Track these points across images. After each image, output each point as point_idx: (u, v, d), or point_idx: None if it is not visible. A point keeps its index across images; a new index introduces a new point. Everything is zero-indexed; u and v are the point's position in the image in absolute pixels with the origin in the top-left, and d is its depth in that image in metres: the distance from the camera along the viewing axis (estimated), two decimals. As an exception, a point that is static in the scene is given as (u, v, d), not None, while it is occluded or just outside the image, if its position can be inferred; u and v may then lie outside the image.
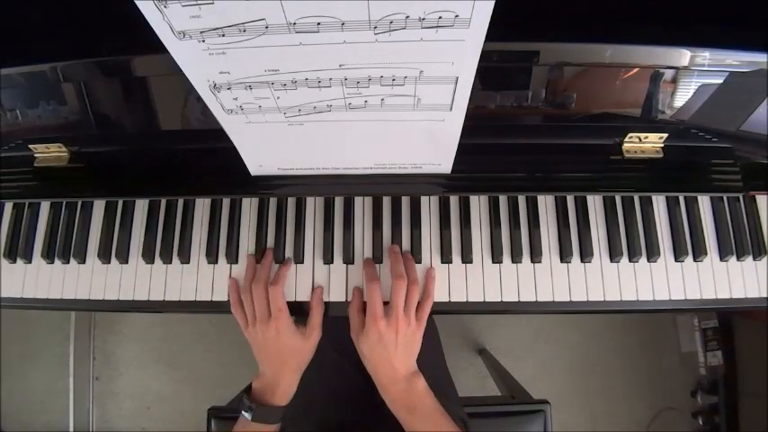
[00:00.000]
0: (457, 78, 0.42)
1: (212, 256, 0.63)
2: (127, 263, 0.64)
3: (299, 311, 0.61)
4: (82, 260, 0.65)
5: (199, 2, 0.34)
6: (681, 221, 0.62)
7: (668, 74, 0.51)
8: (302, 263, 0.62)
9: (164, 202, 0.66)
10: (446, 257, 0.61)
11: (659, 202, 0.63)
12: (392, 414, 0.72)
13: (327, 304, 0.62)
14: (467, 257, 0.61)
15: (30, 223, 0.67)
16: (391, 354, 0.55)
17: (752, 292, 0.60)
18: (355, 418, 0.73)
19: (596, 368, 1.43)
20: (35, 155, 0.64)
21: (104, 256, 0.64)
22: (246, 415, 0.57)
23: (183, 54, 0.39)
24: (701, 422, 1.36)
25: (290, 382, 0.59)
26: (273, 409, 0.57)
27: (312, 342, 0.60)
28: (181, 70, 0.41)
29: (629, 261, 0.61)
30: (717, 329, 1.35)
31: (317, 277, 0.62)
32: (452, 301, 0.60)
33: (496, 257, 0.61)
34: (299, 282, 0.62)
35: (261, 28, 0.36)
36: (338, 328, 0.83)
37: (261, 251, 0.63)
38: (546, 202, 0.63)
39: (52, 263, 0.65)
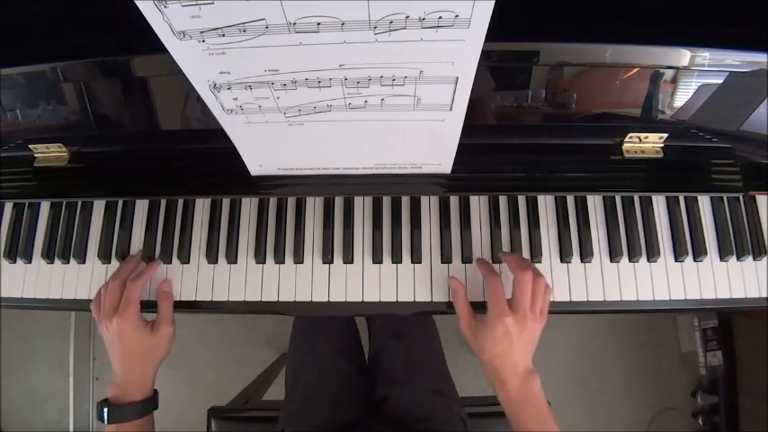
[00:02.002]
0: (457, 78, 0.42)
1: (212, 257, 0.63)
2: (127, 263, 0.64)
3: (295, 312, 0.61)
4: (82, 260, 0.65)
5: (199, 2, 0.34)
6: (681, 221, 0.62)
7: (668, 74, 0.51)
8: (302, 263, 0.62)
9: (164, 202, 0.66)
10: (446, 258, 0.61)
11: (659, 202, 0.63)
12: (392, 413, 0.73)
13: (323, 304, 0.61)
14: (467, 258, 0.61)
15: (30, 223, 0.67)
16: (515, 348, 0.52)
17: (752, 292, 0.60)
18: (355, 418, 0.73)
19: (596, 368, 1.43)
20: (35, 155, 0.64)
21: (104, 256, 0.64)
22: (104, 421, 0.55)
23: (183, 54, 0.39)
24: (700, 422, 1.36)
25: (141, 375, 0.58)
26: (128, 405, 0.56)
27: (161, 336, 0.58)
28: (181, 70, 0.41)
29: (629, 261, 0.61)
30: (717, 329, 1.35)
31: (316, 277, 0.62)
32: (453, 301, 0.60)
33: (496, 258, 0.61)
34: (298, 282, 0.62)
35: (261, 28, 0.36)
36: (338, 327, 0.83)
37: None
38: (546, 202, 0.63)
39: (52, 263, 0.65)
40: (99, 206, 0.66)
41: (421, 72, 0.41)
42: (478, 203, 0.63)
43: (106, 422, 0.55)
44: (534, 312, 0.53)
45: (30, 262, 0.66)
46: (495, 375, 0.54)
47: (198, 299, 0.62)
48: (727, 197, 0.63)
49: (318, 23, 0.36)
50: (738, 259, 0.61)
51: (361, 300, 0.61)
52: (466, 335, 0.56)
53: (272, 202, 0.64)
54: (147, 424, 0.58)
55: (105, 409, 0.55)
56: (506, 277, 0.58)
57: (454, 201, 0.64)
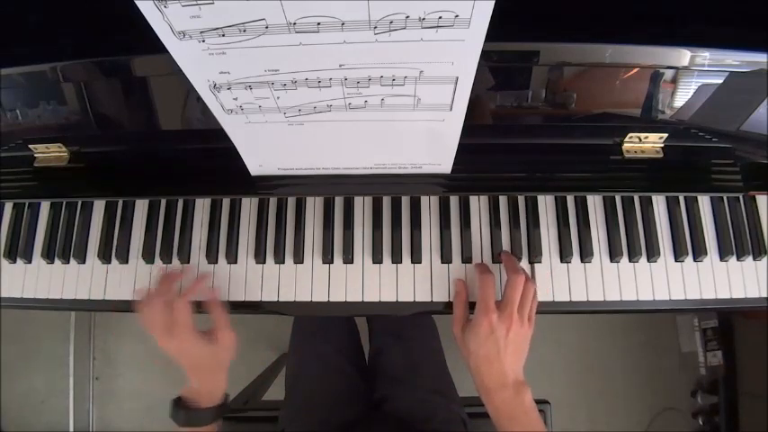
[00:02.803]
0: (457, 78, 0.42)
1: (212, 257, 0.63)
2: (127, 263, 0.64)
3: (295, 312, 0.61)
4: (82, 260, 0.65)
5: (199, 2, 0.34)
6: (681, 221, 0.62)
7: (668, 74, 0.51)
8: (302, 263, 0.62)
9: (164, 202, 0.66)
10: (446, 258, 0.61)
11: (659, 202, 0.63)
12: (392, 413, 0.73)
13: (323, 304, 0.61)
14: (467, 258, 0.61)
15: (30, 223, 0.67)
16: (501, 352, 0.51)
17: (752, 292, 0.60)
18: (355, 418, 0.73)
19: (596, 368, 1.43)
20: (35, 155, 0.64)
21: (104, 256, 0.64)
22: (179, 423, 0.56)
23: (183, 54, 0.39)
24: (700, 422, 1.36)
25: (211, 384, 0.58)
26: (202, 411, 0.56)
27: (222, 344, 0.57)
28: (181, 70, 0.41)
29: (629, 261, 0.61)
30: (717, 329, 1.35)
31: (316, 277, 0.62)
32: (453, 300, 0.60)
33: (496, 258, 0.61)
34: (298, 282, 0.62)
35: (261, 28, 0.36)
36: (338, 328, 0.83)
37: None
38: (546, 202, 0.63)
39: (52, 263, 0.65)
40: (99, 206, 0.66)
41: (421, 72, 0.41)
42: (478, 203, 0.63)
43: (181, 425, 0.56)
44: (522, 316, 0.53)
45: (30, 262, 0.66)
46: (482, 384, 0.53)
47: (197, 299, 0.62)
48: (727, 197, 0.63)
49: (318, 23, 0.36)
50: (738, 259, 0.61)
51: (361, 300, 0.61)
52: (456, 338, 0.56)
53: (272, 202, 0.64)
54: (214, 427, 0.58)
55: (182, 412, 0.56)
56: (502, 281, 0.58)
57: (454, 201, 0.64)
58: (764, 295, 0.60)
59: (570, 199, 0.63)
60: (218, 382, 0.58)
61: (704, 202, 0.63)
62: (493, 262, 0.62)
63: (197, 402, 0.57)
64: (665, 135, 0.59)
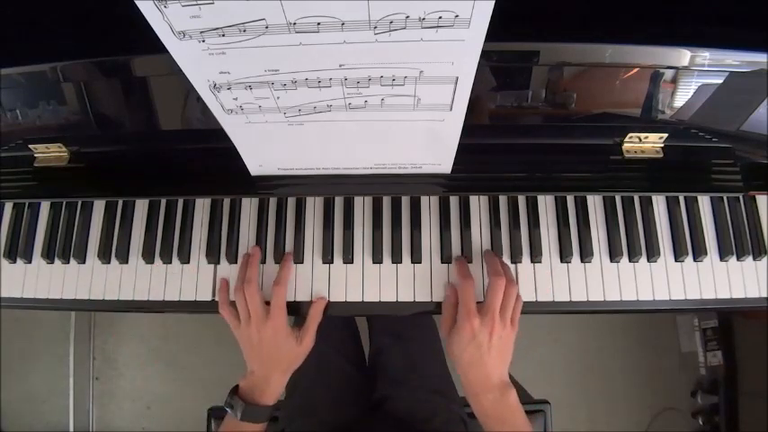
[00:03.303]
0: (457, 78, 0.42)
1: (212, 257, 0.63)
2: (127, 263, 0.64)
3: (295, 311, 0.61)
4: (82, 260, 0.65)
5: (199, 2, 0.34)
6: (681, 221, 0.62)
7: (668, 74, 0.51)
8: (302, 263, 0.62)
9: (164, 202, 0.66)
10: (446, 258, 0.61)
11: (659, 202, 0.63)
12: (392, 414, 0.73)
13: (327, 304, 0.61)
14: (467, 258, 0.61)
15: (30, 223, 0.67)
16: (484, 356, 0.52)
17: (752, 292, 0.60)
18: (355, 418, 0.73)
19: (596, 368, 1.43)
20: (35, 155, 0.64)
21: (104, 256, 0.64)
22: (236, 414, 0.56)
23: (183, 54, 0.39)
24: (700, 422, 1.36)
25: (278, 382, 0.58)
26: (262, 408, 0.57)
27: (305, 347, 0.59)
28: (181, 70, 0.41)
29: (629, 261, 0.61)
30: (717, 329, 1.35)
31: (316, 277, 0.62)
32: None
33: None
34: (298, 282, 0.62)
35: (261, 28, 0.36)
36: (338, 328, 0.83)
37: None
38: (546, 202, 0.63)
39: (52, 263, 0.65)
40: (99, 206, 0.66)
41: (421, 72, 0.41)
42: (478, 203, 0.63)
43: (239, 417, 0.55)
44: (504, 319, 0.53)
45: (30, 262, 0.66)
46: (468, 388, 0.54)
47: (198, 299, 0.62)
48: (727, 197, 0.63)
49: (318, 23, 0.36)
50: (738, 259, 0.61)
51: (361, 300, 0.61)
52: (444, 343, 0.57)
53: (272, 202, 0.64)
54: (263, 427, 0.58)
55: (241, 406, 0.55)
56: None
57: (454, 201, 0.64)
58: (764, 295, 0.60)
59: (570, 199, 0.63)
60: (283, 381, 0.59)
61: (704, 202, 0.63)
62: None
63: (257, 398, 0.57)
64: (665, 135, 0.59)
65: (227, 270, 0.63)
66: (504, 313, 0.53)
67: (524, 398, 0.87)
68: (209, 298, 0.62)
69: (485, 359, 0.52)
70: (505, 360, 0.54)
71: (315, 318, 0.60)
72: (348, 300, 0.61)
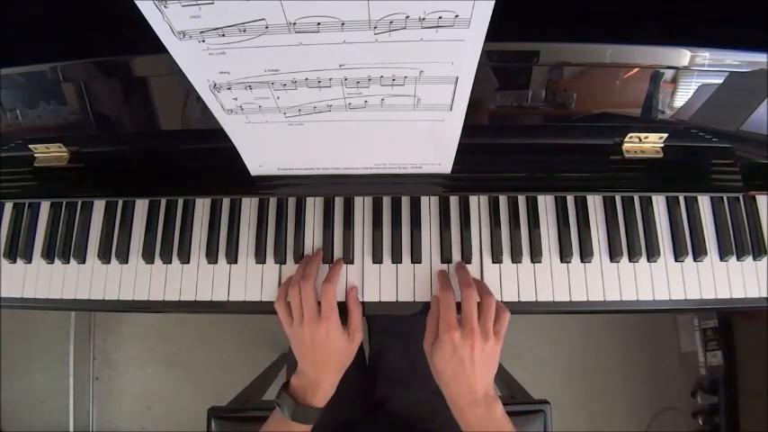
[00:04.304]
0: (457, 78, 0.42)
1: (212, 257, 0.63)
2: (127, 263, 0.64)
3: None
4: (82, 260, 0.65)
5: (199, 2, 0.34)
6: (681, 221, 0.62)
7: (668, 74, 0.51)
8: (302, 263, 0.62)
9: (164, 202, 0.66)
10: (446, 258, 0.61)
11: (659, 202, 0.63)
12: (392, 414, 0.73)
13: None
14: (467, 258, 0.61)
15: (30, 223, 0.67)
16: (467, 370, 0.51)
17: (752, 292, 0.60)
18: (355, 418, 0.73)
19: (596, 368, 1.43)
20: (35, 155, 0.64)
21: (104, 256, 0.64)
22: (286, 413, 0.54)
23: (183, 54, 0.39)
24: (700, 422, 1.36)
25: (331, 383, 0.57)
26: (312, 409, 0.56)
27: (356, 343, 0.58)
28: (181, 70, 0.41)
29: (629, 261, 0.61)
30: (717, 329, 1.35)
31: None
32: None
33: (496, 257, 0.61)
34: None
35: (261, 28, 0.36)
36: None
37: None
38: (546, 202, 0.63)
39: (52, 263, 0.65)
40: (99, 206, 0.66)
41: (421, 72, 0.41)
42: (478, 203, 0.63)
43: (290, 417, 0.54)
44: (485, 330, 0.52)
45: (30, 262, 0.66)
46: (453, 402, 0.53)
47: (198, 299, 0.62)
48: (727, 197, 0.63)
49: (318, 23, 0.36)
50: (738, 259, 0.61)
51: (361, 300, 0.61)
52: (427, 357, 0.55)
53: (272, 202, 0.64)
54: (309, 428, 0.57)
55: (291, 405, 0.54)
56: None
57: (454, 201, 0.64)
58: (764, 295, 0.60)
59: (570, 199, 0.63)
60: (335, 382, 0.58)
61: (704, 202, 0.63)
62: (492, 263, 0.62)
63: (309, 399, 0.56)
64: (665, 135, 0.59)
65: (226, 270, 0.63)
66: (485, 324, 0.52)
67: (524, 398, 0.87)
68: (208, 298, 0.62)
69: (468, 372, 0.51)
70: (489, 373, 0.53)
71: (355, 309, 0.59)
72: (346, 300, 0.61)
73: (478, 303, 0.54)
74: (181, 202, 0.65)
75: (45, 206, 0.68)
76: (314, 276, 0.57)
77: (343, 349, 0.57)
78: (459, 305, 0.55)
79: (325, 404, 0.57)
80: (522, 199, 0.63)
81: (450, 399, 0.53)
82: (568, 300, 0.60)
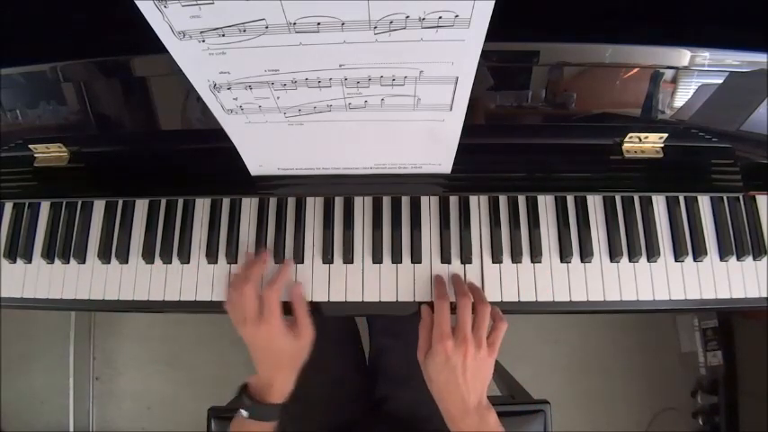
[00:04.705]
0: (457, 78, 0.42)
1: (212, 257, 0.63)
2: (127, 263, 0.64)
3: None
4: (82, 260, 0.65)
5: (199, 2, 0.34)
6: (681, 221, 0.62)
7: (668, 74, 0.51)
8: (302, 263, 0.62)
9: (164, 202, 0.66)
10: (446, 258, 0.61)
11: (659, 202, 0.63)
12: (392, 414, 0.73)
13: (323, 304, 0.61)
14: (466, 258, 0.61)
15: (30, 223, 0.67)
16: (459, 379, 0.51)
17: (752, 292, 0.60)
18: (355, 418, 0.73)
19: (596, 368, 1.43)
20: (35, 155, 0.64)
21: (104, 256, 0.64)
22: (244, 413, 0.56)
23: (183, 54, 0.39)
24: (700, 422, 1.36)
25: (284, 381, 0.58)
26: (270, 406, 0.56)
27: (304, 341, 0.58)
28: (181, 70, 0.41)
29: (629, 261, 0.61)
30: (717, 329, 1.35)
31: (316, 277, 0.62)
32: (452, 301, 0.60)
33: (496, 257, 0.61)
34: (299, 282, 0.62)
35: (261, 28, 0.36)
36: (338, 328, 0.83)
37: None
38: (546, 202, 0.63)
39: (52, 263, 0.65)
40: (99, 206, 0.66)
41: (421, 72, 0.41)
42: (478, 203, 0.63)
43: (248, 416, 0.55)
44: (478, 339, 0.52)
45: (30, 262, 0.66)
46: (446, 411, 0.53)
47: (198, 299, 0.62)
48: (727, 197, 0.63)
49: (318, 23, 0.36)
50: (738, 259, 0.61)
51: (361, 300, 0.61)
52: (421, 365, 0.56)
53: (272, 202, 0.64)
54: (272, 427, 0.57)
55: (249, 405, 0.55)
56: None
57: (454, 201, 0.64)
58: (764, 295, 0.60)
59: (570, 199, 0.63)
60: (289, 379, 0.58)
61: (704, 202, 0.63)
62: (492, 263, 0.61)
63: (265, 396, 0.56)
64: (665, 135, 0.59)
65: (226, 270, 0.63)
66: (478, 333, 0.53)
67: (524, 398, 0.87)
68: (208, 298, 0.62)
69: (460, 381, 0.51)
70: (482, 383, 0.53)
71: (299, 307, 0.59)
72: (348, 300, 0.61)
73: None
74: (181, 202, 0.65)
75: (45, 206, 0.68)
76: (254, 278, 0.57)
77: (290, 349, 0.57)
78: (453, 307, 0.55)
79: (285, 399, 0.58)
80: (522, 199, 0.63)
81: (443, 408, 0.54)
82: (568, 300, 0.60)
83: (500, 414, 0.54)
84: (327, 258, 0.62)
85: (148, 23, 0.36)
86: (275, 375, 0.57)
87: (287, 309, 0.59)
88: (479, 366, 0.52)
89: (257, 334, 0.55)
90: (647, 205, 0.63)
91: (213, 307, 0.62)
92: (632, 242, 0.61)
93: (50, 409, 1.46)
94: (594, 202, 0.63)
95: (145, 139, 0.62)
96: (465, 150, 0.53)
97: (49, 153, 0.64)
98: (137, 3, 0.34)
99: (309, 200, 0.64)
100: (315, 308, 0.61)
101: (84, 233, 0.65)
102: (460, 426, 0.52)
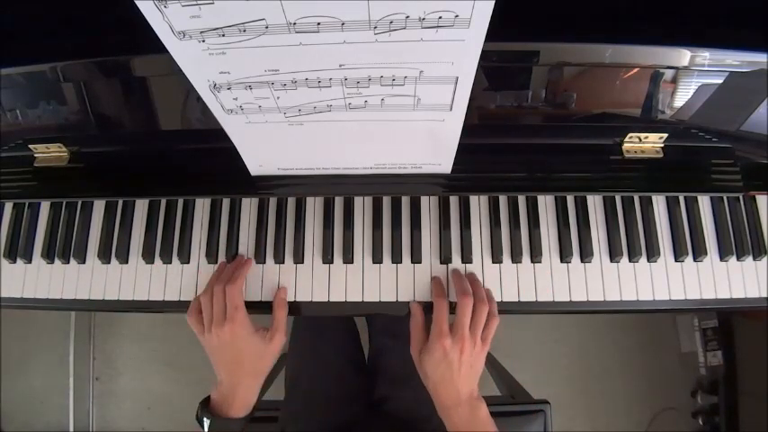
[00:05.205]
0: (457, 78, 0.42)
1: (212, 257, 0.63)
2: (127, 263, 0.64)
3: (296, 311, 0.61)
4: (82, 260, 0.65)
5: (199, 2, 0.34)
6: (681, 221, 0.62)
7: (668, 74, 0.51)
8: (302, 263, 0.62)
9: (164, 202, 0.66)
10: (446, 258, 0.61)
11: (659, 202, 0.63)
12: (392, 414, 0.73)
13: (323, 304, 0.61)
14: (467, 258, 0.61)
15: (30, 223, 0.67)
16: (455, 374, 0.53)
17: (752, 292, 0.60)
18: (355, 418, 0.73)
19: (596, 368, 1.43)
20: (35, 155, 0.64)
21: (104, 256, 0.64)
22: (204, 428, 0.54)
23: (183, 54, 0.39)
24: (700, 422, 1.36)
25: (247, 389, 0.56)
26: (231, 421, 0.55)
27: (275, 345, 0.57)
28: (181, 70, 0.41)
29: (629, 261, 0.61)
30: (717, 329, 1.35)
31: (316, 277, 0.62)
32: (452, 301, 0.60)
33: (496, 257, 0.61)
34: (298, 282, 0.62)
35: (261, 28, 0.36)
36: (338, 328, 0.83)
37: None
38: (546, 202, 0.63)
39: (52, 263, 0.65)
40: (99, 206, 0.66)
41: (421, 72, 0.41)
42: (478, 203, 0.63)
43: (206, 430, 0.54)
44: (474, 337, 0.54)
45: (30, 262, 0.66)
46: (440, 404, 0.54)
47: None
48: (727, 197, 0.63)
49: (318, 23, 0.36)
50: (738, 259, 0.61)
51: (361, 300, 0.61)
52: (415, 361, 0.57)
53: (272, 202, 0.64)
54: None
55: (208, 420, 0.54)
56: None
57: (454, 201, 0.64)
58: (764, 295, 0.60)
59: (570, 199, 0.63)
60: (253, 388, 0.57)
61: (704, 202, 0.63)
62: (492, 263, 0.62)
63: (227, 410, 0.55)
64: (665, 135, 0.59)
65: (227, 270, 0.63)
66: (474, 331, 0.54)
67: (524, 398, 0.87)
68: (209, 298, 0.62)
69: (455, 376, 0.53)
70: (474, 376, 0.55)
71: (279, 310, 0.58)
72: (348, 300, 0.61)
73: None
74: (181, 202, 0.65)
75: (45, 206, 0.68)
76: (225, 280, 0.57)
77: (256, 350, 0.56)
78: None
79: (247, 413, 0.56)
80: (522, 199, 0.63)
81: (437, 401, 0.55)
82: (568, 300, 0.60)
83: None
84: (327, 258, 0.62)
85: (148, 23, 0.36)
86: (239, 381, 0.56)
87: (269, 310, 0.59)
88: (474, 361, 0.54)
89: (222, 334, 0.54)
90: (647, 205, 0.63)
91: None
92: (632, 242, 0.61)
93: (50, 409, 1.46)
94: (594, 202, 0.63)
95: (145, 139, 0.62)
96: (465, 150, 0.53)
97: (49, 153, 0.64)
98: (137, 3, 0.34)
99: (309, 200, 0.64)
100: (251, 306, 0.60)
101: (84, 233, 0.65)
102: (453, 416, 0.53)
